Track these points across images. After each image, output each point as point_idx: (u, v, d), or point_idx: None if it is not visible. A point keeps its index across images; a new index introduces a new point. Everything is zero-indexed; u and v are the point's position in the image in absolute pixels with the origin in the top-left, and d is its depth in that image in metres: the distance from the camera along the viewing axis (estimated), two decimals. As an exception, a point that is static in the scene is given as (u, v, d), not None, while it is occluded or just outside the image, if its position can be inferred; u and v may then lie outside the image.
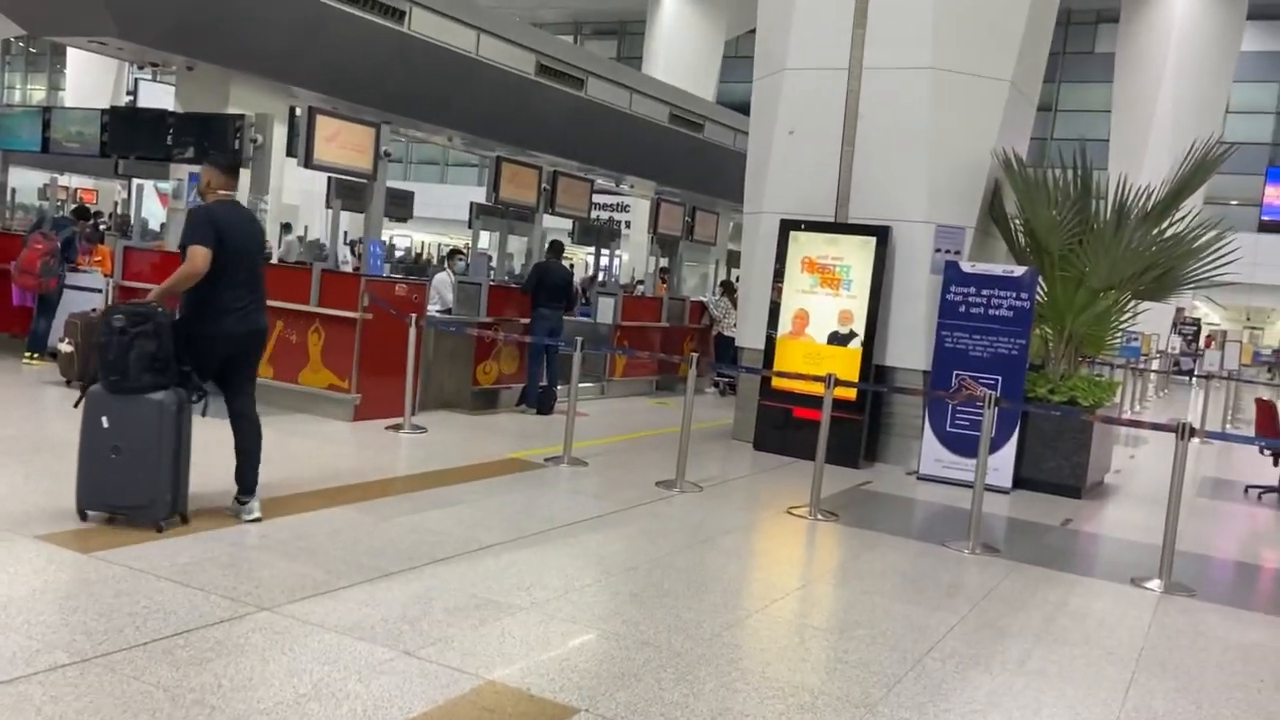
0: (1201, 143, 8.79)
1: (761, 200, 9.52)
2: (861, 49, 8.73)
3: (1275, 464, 9.58)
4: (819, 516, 6.59)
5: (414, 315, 8.29)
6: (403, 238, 31.89)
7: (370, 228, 10.18)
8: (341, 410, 8.26)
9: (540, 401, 9.93)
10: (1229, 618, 5.25)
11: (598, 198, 24.12)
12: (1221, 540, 7.54)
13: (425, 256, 30.56)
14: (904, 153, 8.75)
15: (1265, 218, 34.02)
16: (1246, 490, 9.42)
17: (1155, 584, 5.66)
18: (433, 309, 10.12)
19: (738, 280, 12.55)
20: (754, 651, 4.02)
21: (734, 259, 17.54)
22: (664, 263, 17.78)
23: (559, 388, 9.93)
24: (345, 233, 15.86)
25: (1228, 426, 15.26)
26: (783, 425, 8.95)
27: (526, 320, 9.95)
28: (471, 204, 12.81)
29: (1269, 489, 9.28)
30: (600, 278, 17.53)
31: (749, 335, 9.70)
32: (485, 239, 16.12)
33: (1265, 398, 10.81)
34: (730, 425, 9.87)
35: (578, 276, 24.13)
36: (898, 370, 8.95)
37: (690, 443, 7.32)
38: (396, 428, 8.05)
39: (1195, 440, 10.93)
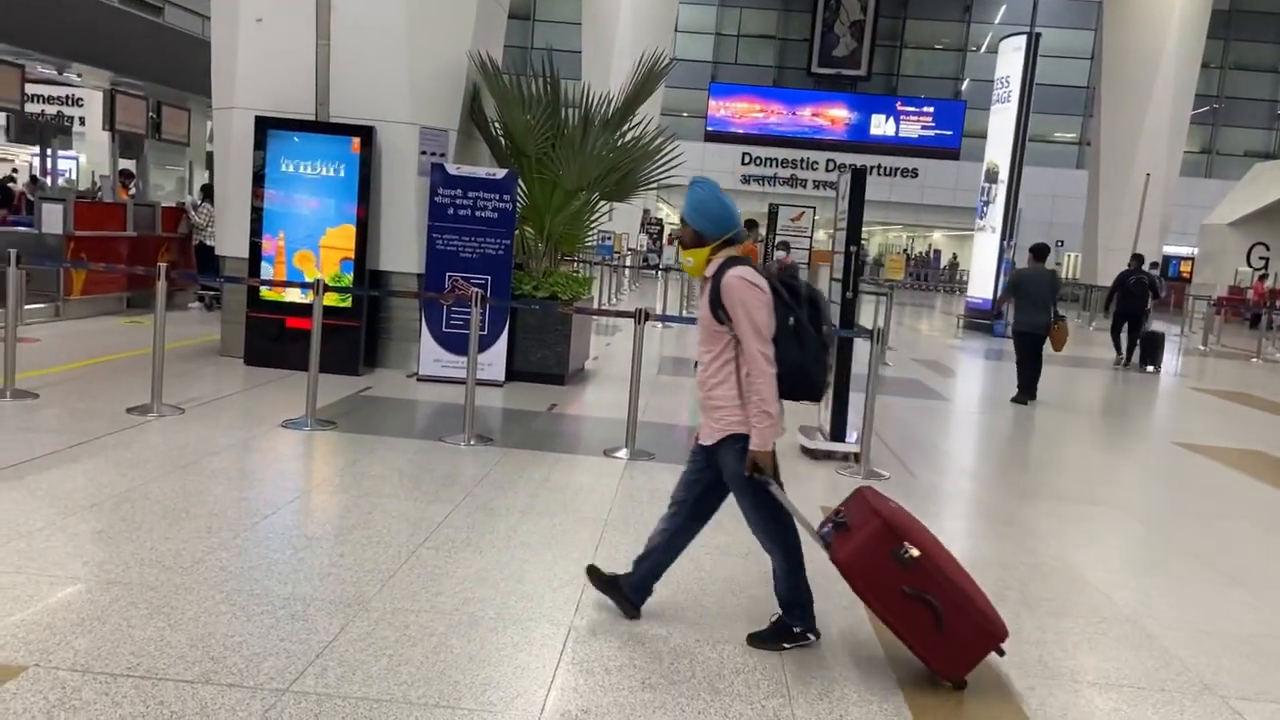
0: (648, 57, 9.76)
1: (232, 95, 8.77)
2: (330, -64, 8.30)
3: (717, 340, 11.25)
4: (315, 427, 6.44)
5: None
6: None
7: None
8: None
9: (-29, 329, 8.36)
10: (680, 474, 6.10)
11: (43, 89, 20.53)
12: (677, 409, 8.71)
13: None
14: (383, 50, 8.57)
15: (709, 128, 39.16)
16: (695, 365, 10.95)
17: (623, 453, 6.40)
18: None
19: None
20: (241, 571, 3.85)
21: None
22: (129, 165, 15.83)
23: (-4, 311, 8.43)
24: None
25: (684, 311, 17.55)
26: (277, 337, 8.53)
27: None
28: None
29: (713, 362, 10.88)
30: (43, 181, 15.10)
31: (231, 243, 9.01)
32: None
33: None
34: (218, 341, 9.19)
35: (20, 181, 20.55)
36: (393, 274, 8.93)
37: (170, 362, 6.69)
38: None
39: (659, 325, 12.30)
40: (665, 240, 34.50)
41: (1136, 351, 14.30)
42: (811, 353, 3.40)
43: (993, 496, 6.30)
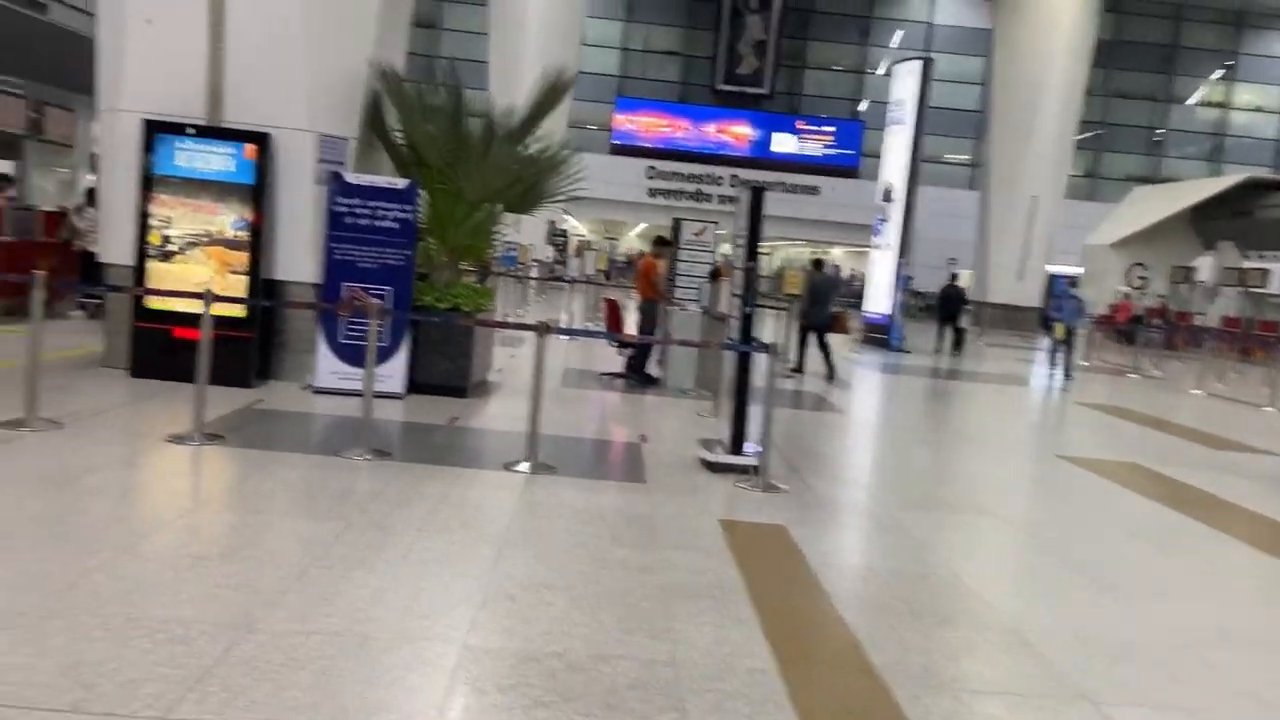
0: (552, 70, 9.77)
1: (119, 97, 8.44)
2: (223, -64, 8.08)
3: (619, 352, 11.32)
4: (203, 441, 6.23)
5: None
6: None
7: None
8: None
9: None
10: (581, 488, 6.12)
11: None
12: (579, 422, 8.71)
13: None
14: (280, 55, 8.37)
15: (615, 141, 39.34)
16: (600, 377, 11.00)
17: (524, 466, 6.37)
18: None
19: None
20: (118, 595, 3.69)
21: (98, 164, 15.42)
22: (7, 168, 15.10)
23: None
24: None
25: (589, 324, 17.58)
26: (165, 349, 8.22)
27: None
28: None
29: (616, 375, 10.94)
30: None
31: (115, 250, 8.66)
32: None
33: (612, 297, 12.65)
34: (101, 353, 8.81)
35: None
36: (289, 284, 8.71)
37: (48, 374, 6.42)
38: None
39: (563, 338, 12.35)
40: (573, 252, 34.52)
41: (953, 341, 19.67)
42: None
43: (885, 507, 6.47)
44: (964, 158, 42.22)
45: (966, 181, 40.82)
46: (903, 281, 19.88)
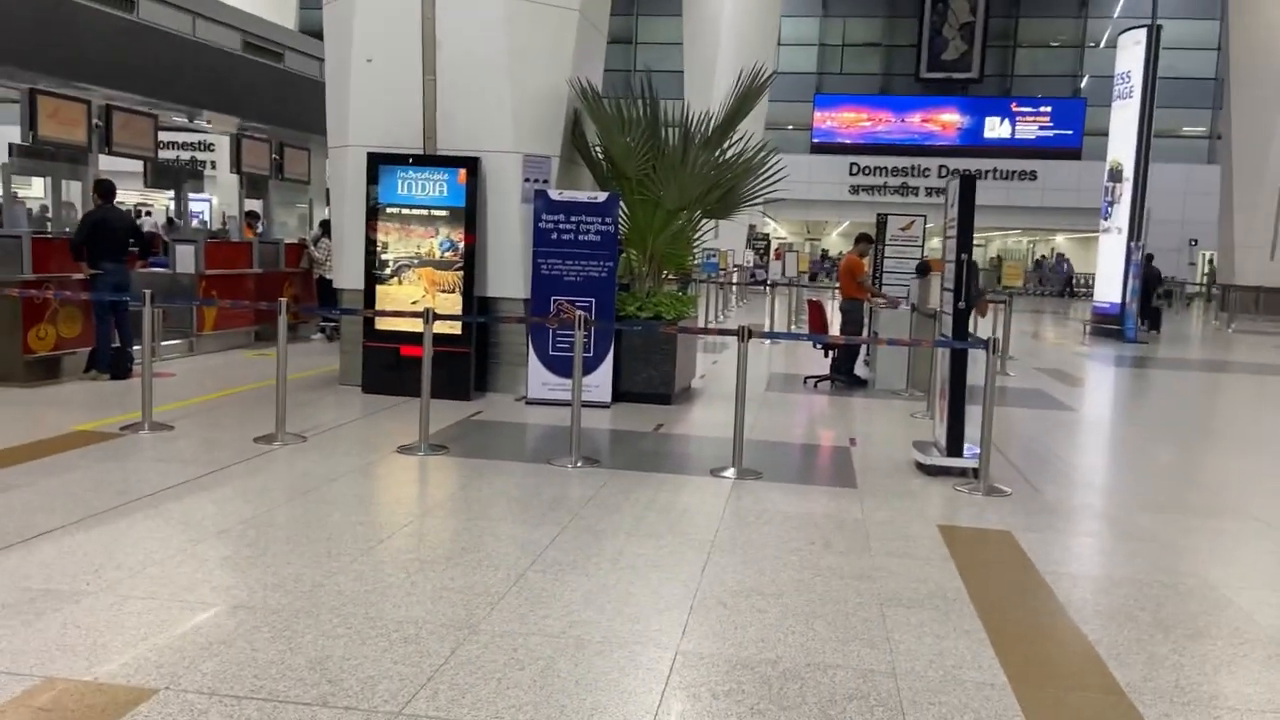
0: (748, 72, 9.72)
1: (346, 133, 9.12)
2: (431, -27, 8.56)
3: (825, 355, 11.09)
4: (428, 452, 6.59)
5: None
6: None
7: None
8: None
9: (114, 365, 8.93)
10: (789, 493, 6.02)
11: (177, 136, 21.71)
12: (785, 426, 8.59)
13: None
14: (486, 82, 8.78)
15: (815, 140, 38.72)
16: (805, 380, 10.81)
17: (730, 472, 6.34)
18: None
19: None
20: (357, 595, 3.95)
21: (331, 197, 16.66)
22: (255, 205, 16.59)
23: (136, 348, 8.97)
24: None
25: (792, 327, 17.34)
26: (392, 366, 8.79)
27: (83, 276, 8.88)
28: (10, 145, 11.08)
29: (821, 377, 10.72)
30: (178, 223, 15.92)
31: (346, 275, 9.35)
32: (39, 185, 14.08)
33: (815, 299, 12.41)
34: (338, 371, 9.53)
35: (158, 221, 21.79)
36: (500, 300, 9.10)
37: (293, 392, 6.98)
38: (-76, 413, 6.84)
39: (765, 342, 12.22)
40: (773, 255, 34.26)
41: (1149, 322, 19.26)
42: None
43: (1124, 511, 5.98)
44: (1201, 130, 38.74)
45: (1205, 156, 37.45)
46: (1136, 267, 18.44)
